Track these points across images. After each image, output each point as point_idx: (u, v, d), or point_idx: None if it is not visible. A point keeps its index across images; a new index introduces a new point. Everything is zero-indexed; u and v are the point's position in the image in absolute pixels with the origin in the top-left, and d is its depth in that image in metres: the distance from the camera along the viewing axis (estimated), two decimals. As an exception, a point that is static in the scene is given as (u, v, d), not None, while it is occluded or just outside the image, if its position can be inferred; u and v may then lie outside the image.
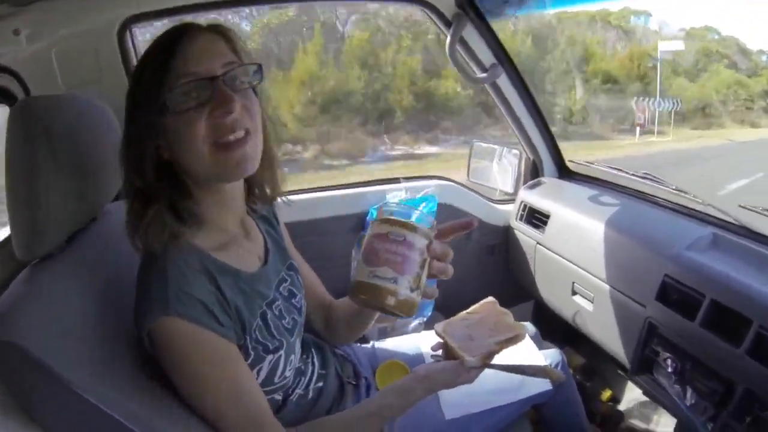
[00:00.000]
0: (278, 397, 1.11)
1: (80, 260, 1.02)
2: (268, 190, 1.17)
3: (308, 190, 2.04)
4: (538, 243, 1.96)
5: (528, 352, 1.47)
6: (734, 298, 1.25)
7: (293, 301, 1.18)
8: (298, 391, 1.19)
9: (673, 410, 1.50)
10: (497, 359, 1.05)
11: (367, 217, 2.01)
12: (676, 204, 1.68)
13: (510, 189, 2.18)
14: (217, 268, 0.99)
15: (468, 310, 1.17)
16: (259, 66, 1.02)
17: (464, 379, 1.06)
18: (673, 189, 1.65)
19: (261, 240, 1.20)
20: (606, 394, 2.06)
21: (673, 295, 1.40)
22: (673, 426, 1.78)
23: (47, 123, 0.93)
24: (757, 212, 1.41)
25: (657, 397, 1.54)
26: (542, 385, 1.42)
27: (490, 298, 1.19)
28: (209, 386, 0.94)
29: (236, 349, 0.97)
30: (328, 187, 2.09)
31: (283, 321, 1.11)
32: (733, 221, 1.49)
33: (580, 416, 1.65)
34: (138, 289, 0.95)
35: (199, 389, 0.94)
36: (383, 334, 1.87)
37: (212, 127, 0.93)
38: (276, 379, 1.07)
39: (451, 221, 0.99)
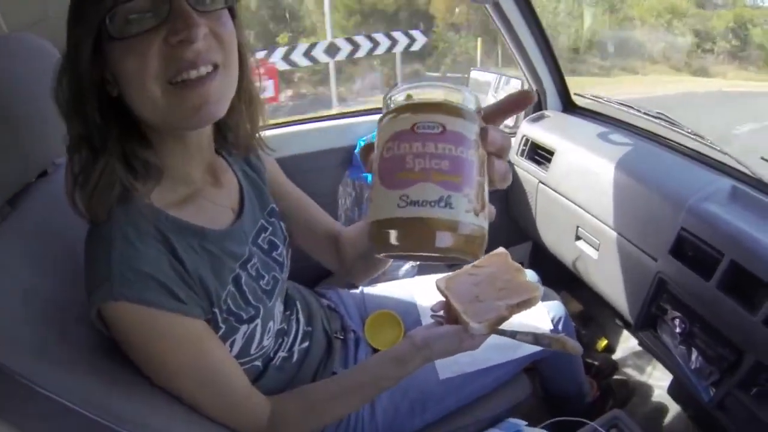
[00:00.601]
0: (258, 363, 1.02)
1: (27, 226, 0.90)
2: (243, 138, 0.99)
3: (288, 123, 1.88)
4: (540, 182, 1.83)
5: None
6: (756, 261, 1.14)
7: (274, 254, 1.06)
8: (281, 353, 1.10)
9: (674, 370, 1.44)
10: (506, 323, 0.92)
11: (355, 150, 1.86)
12: (692, 150, 1.54)
13: (510, 122, 2.01)
14: (176, 230, 0.84)
15: (475, 263, 1.01)
16: None
17: (467, 345, 0.94)
18: (689, 132, 1.50)
19: (235, 185, 1.04)
20: (602, 343, 2.03)
21: (689, 250, 1.30)
22: (669, 381, 1.75)
23: None
24: None
25: (658, 355, 1.47)
26: (543, 325, 1.37)
27: (501, 249, 1.03)
28: (174, 370, 0.83)
29: (202, 325, 0.85)
30: (311, 119, 1.92)
31: (261, 282, 0.99)
32: (752, 174, 1.36)
33: (579, 372, 1.61)
34: (85, 263, 0.81)
35: (164, 374, 0.83)
36: (373, 279, 1.78)
37: (166, 60, 0.72)
38: (252, 350, 0.97)
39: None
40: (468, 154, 0.48)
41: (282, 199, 1.17)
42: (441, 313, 1.01)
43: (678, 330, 1.35)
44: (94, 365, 0.79)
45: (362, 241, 1.12)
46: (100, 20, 0.69)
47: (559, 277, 1.91)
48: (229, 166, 1.05)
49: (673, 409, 1.74)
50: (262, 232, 1.05)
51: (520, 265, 0.99)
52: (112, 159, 0.77)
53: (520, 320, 0.97)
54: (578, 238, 1.71)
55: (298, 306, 1.22)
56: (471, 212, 0.48)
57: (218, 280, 0.88)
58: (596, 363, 1.89)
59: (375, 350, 1.35)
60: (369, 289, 1.53)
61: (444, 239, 0.47)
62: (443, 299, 0.99)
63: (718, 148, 1.44)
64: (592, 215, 1.60)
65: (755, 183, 1.35)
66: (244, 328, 0.93)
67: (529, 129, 1.93)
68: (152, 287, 0.77)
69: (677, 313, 1.36)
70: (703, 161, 1.50)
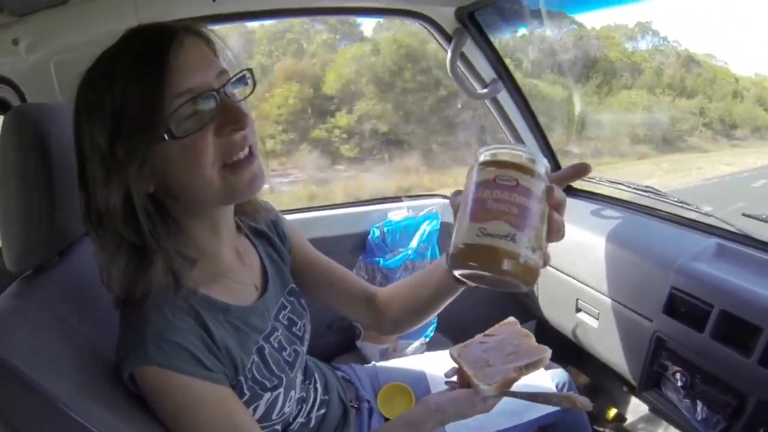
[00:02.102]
0: (278, 427, 1.05)
1: (72, 275, 0.99)
2: (254, 203, 1.10)
3: (307, 209, 2.02)
4: (542, 260, 1.91)
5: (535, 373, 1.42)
6: (743, 307, 1.22)
7: (294, 329, 1.12)
8: (300, 419, 1.14)
9: (683, 426, 1.45)
10: (516, 385, 0.96)
11: (369, 237, 1.99)
12: (679, 216, 1.66)
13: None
14: (205, 306, 0.91)
15: (486, 332, 1.09)
16: (251, 71, 0.91)
17: (480, 409, 1.00)
18: (676, 201, 1.62)
19: (258, 265, 1.12)
20: (611, 412, 2.01)
21: (681, 307, 1.37)
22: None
23: (41, 131, 0.90)
24: (761, 220, 1.38)
25: (666, 413, 1.49)
26: (551, 407, 1.37)
27: (511, 319, 1.11)
28: (200, 431, 0.88)
29: (227, 391, 0.90)
30: (328, 206, 2.06)
31: (284, 353, 1.05)
32: (736, 230, 1.47)
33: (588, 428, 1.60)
34: (120, 327, 0.88)
35: None
36: (385, 356, 1.84)
37: (221, 148, 0.83)
38: (274, 416, 1.01)
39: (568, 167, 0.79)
40: (532, 205, 0.65)
41: (312, 264, 1.25)
42: (454, 378, 1.06)
43: (680, 384, 1.39)
44: (128, 411, 0.85)
45: (408, 290, 1.19)
46: (160, 127, 0.78)
47: (565, 353, 1.94)
48: (254, 247, 1.14)
49: None
50: (282, 310, 1.11)
51: (528, 332, 1.05)
52: (160, 259, 0.85)
53: (526, 385, 1.00)
54: (579, 309, 1.78)
55: (316, 376, 1.26)
56: (529, 248, 0.64)
57: (243, 351, 0.95)
58: (607, 429, 1.87)
59: (387, 419, 1.39)
60: (381, 364, 1.59)
61: (507, 264, 0.63)
62: (456, 366, 1.04)
63: (703, 212, 1.56)
64: (590, 287, 1.69)
65: (740, 239, 1.45)
66: (267, 395, 0.98)
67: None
68: (183, 356, 0.84)
69: (677, 368, 1.40)
70: (689, 225, 1.60)
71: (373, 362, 1.64)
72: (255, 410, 0.96)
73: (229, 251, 1.03)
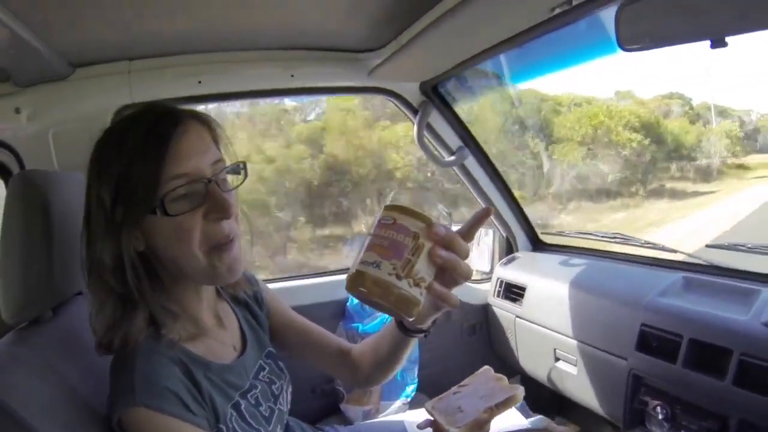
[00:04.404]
0: None
1: (64, 329, 1.04)
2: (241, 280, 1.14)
3: (287, 278, 2.07)
4: (517, 316, 1.98)
5: (511, 420, 1.43)
6: (711, 333, 1.28)
7: (273, 387, 1.15)
8: None
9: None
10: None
11: (347, 304, 2.03)
12: (646, 257, 1.75)
13: (486, 268, 2.25)
14: (188, 359, 0.95)
15: (461, 383, 1.09)
16: (244, 164, 1.01)
17: None
18: (642, 243, 1.72)
19: (237, 328, 1.17)
20: None
21: (652, 342, 1.43)
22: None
23: (44, 196, 0.98)
24: (723, 248, 1.48)
25: (653, 450, 1.51)
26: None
27: (485, 367, 1.11)
28: None
29: None
30: (308, 274, 2.11)
31: (260, 408, 1.07)
32: (703, 262, 1.56)
33: None
34: (110, 375, 0.92)
35: None
36: (367, 417, 1.84)
37: (208, 233, 0.91)
38: None
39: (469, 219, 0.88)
40: (404, 240, 0.74)
41: (290, 325, 1.30)
42: (428, 430, 1.05)
43: (662, 417, 1.41)
44: None
45: (373, 344, 1.22)
46: (154, 202, 0.86)
47: (550, 404, 1.97)
48: (233, 312, 1.19)
49: None
50: (261, 371, 1.15)
51: (501, 375, 1.07)
52: (144, 311, 0.92)
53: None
54: (557, 359, 1.81)
55: None
56: (393, 275, 0.72)
57: (223, 404, 0.98)
58: None
59: None
60: (364, 424, 1.60)
61: (370, 287, 0.73)
62: (430, 418, 1.04)
63: (669, 249, 1.66)
64: (566, 335, 1.74)
65: (707, 269, 1.54)
66: None
67: (502, 272, 2.14)
68: (170, 399, 0.87)
69: (657, 402, 1.42)
70: (657, 264, 1.70)
71: (355, 422, 1.65)
72: None
73: (210, 314, 1.08)
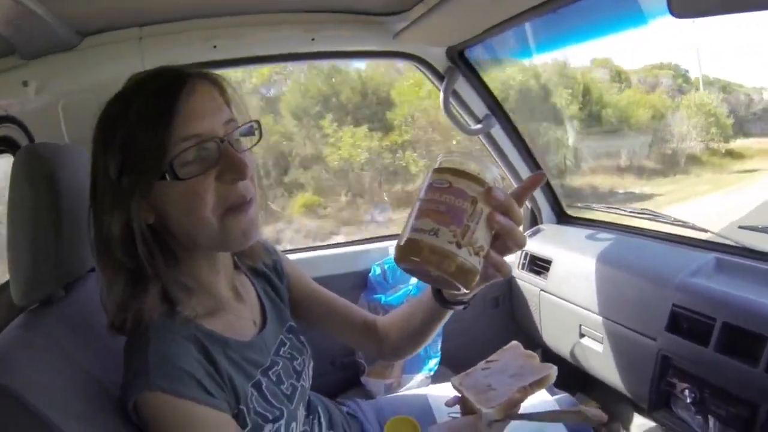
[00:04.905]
0: None
1: (77, 309, 1.01)
2: (256, 246, 1.11)
3: (310, 249, 2.05)
4: (542, 290, 1.94)
5: (539, 399, 1.39)
6: (745, 318, 1.23)
7: (294, 363, 1.12)
8: None
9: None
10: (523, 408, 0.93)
11: (369, 275, 2.01)
12: (676, 236, 1.69)
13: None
14: (205, 337, 0.92)
15: (489, 358, 1.06)
16: (258, 123, 0.96)
17: None
18: (672, 221, 1.65)
19: (256, 302, 1.13)
20: None
21: (683, 323, 1.38)
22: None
23: (51, 169, 0.94)
24: (757, 230, 1.41)
25: (678, 431, 1.48)
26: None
27: (514, 343, 1.09)
28: None
29: (228, 419, 0.89)
30: (330, 245, 2.09)
31: (282, 386, 1.04)
32: (734, 244, 1.49)
33: None
34: (125, 356, 0.89)
35: None
36: (389, 390, 1.83)
37: (222, 195, 0.86)
38: None
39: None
40: (462, 204, 0.69)
41: (312, 297, 1.27)
42: (457, 408, 1.03)
43: (689, 401, 1.37)
44: None
45: (401, 315, 1.20)
46: (163, 166, 0.82)
47: (571, 380, 1.93)
48: (252, 285, 1.16)
49: None
50: (282, 346, 1.12)
51: (531, 352, 1.04)
52: (157, 286, 0.88)
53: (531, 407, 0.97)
54: (582, 335, 1.77)
55: (320, 411, 1.26)
56: (453, 243, 0.67)
57: (243, 383, 0.95)
58: None
59: None
60: (386, 398, 1.58)
61: (425, 254, 0.68)
62: (458, 395, 1.01)
63: (700, 228, 1.58)
64: (592, 312, 1.69)
65: (738, 251, 1.47)
66: (269, 426, 0.96)
67: (527, 244, 2.07)
68: (185, 381, 0.84)
69: (685, 385, 1.38)
70: (686, 243, 1.63)
71: (377, 397, 1.63)
72: None
73: (227, 287, 1.05)
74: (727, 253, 1.49)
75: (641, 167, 9.42)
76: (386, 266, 1.98)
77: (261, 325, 1.09)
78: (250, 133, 0.94)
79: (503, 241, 0.74)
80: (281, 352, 1.09)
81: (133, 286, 0.87)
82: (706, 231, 1.57)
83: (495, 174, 0.72)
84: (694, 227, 1.60)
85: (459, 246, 0.67)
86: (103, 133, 0.86)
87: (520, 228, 0.75)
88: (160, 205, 0.87)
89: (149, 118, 0.82)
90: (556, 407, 1.42)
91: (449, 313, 1.03)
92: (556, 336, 1.96)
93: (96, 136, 0.87)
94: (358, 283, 2.02)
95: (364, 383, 1.90)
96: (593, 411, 0.90)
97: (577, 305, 1.76)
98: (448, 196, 0.69)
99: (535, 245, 2.05)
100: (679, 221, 1.63)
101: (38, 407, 0.75)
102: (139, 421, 0.85)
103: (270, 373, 1.02)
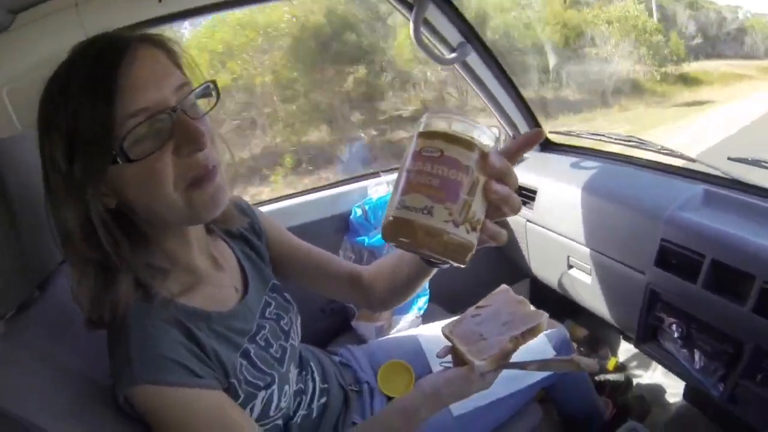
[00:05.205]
0: (279, 422, 1.04)
1: (55, 307, 0.97)
2: (228, 210, 1.05)
3: (286, 197, 1.97)
4: (528, 221, 1.91)
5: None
6: (735, 256, 1.21)
7: (281, 324, 1.10)
8: (301, 412, 1.14)
9: (682, 375, 1.47)
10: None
11: (351, 217, 1.96)
12: (662, 164, 1.64)
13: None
14: (186, 316, 0.89)
15: (478, 304, 1.03)
16: (214, 83, 0.86)
17: (478, 387, 0.95)
18: (659, 149, 1.60)
19: (236, 266, 1.09)
20: (612, 362, 2.04)
21: (672, 258, 1.37)
22: (682, 388, 1.77)
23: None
24: (746, 163, 1.37)
25: (665, 364, 1.51)
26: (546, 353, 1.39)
27: (503, 287, 1.04)
28: None
29: (221, 395, 0.88)
30: (305, 191, 2.01)
31: (270, 350, 1.03)
32: (723, 175, 1.45)
33: (590, 392, 1.63)
34: (108, 352, 0.86)
35: None
36: (380, 333, 1.83)
37: (182, 169, 0.79)
38: (271, 413, 0.99)
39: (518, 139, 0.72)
40: (458, 176, 0.60)
41: (293, 253, 1.23)
42: (449, 357, 1.02)
43: (677, 335, 1.39)
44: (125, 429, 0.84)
45: (386, 266, 1.16)
46: (113, 149, 0.74)
47: (561, 307, 1.95)
48: (230, 248, 1.11)
49: (693, 414, 1.74)
50: (267, 307, 1.10)
51: (522, 297, 1.00)
52: (129, 275, 0.83)
53: (523, 352, 0.95)
54: (570, 266, 1.78)
55: (312, 366, 1.26)
56: (449, 222, 0.59)
57: (231, 356, 0.93)
58: (610, 380, 1.90)
59: (389, 398, 1.40)
60: (377, 342, 1.58)
61: (423, 238, 0.60)
62: (449, 345, 1.00)
63: (688, 157, 1.53)
64: (580, 243, 1.68)
65: (727, 183, 1.44)
66: (262, 393, 0.97)
67: (510, 170, 2.02)
68: (170, 368, 0.82)
69: (673, 319, 1.40)
70: (674, 172, 1.59)
71: (369, 341, 1.64)
72: (252, 410, 0.95)
73: (203, 258, 1.00)
74: (715, 185, 1.45)
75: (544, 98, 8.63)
76: (367, 207, 1.93)
77: (243, 290, 1.06)
78: (206, 94, 0.86)
79: (498, 207, 0.66)
80: (267, 314, 1.08)
81: (103, 278, 0.82)
82: (694, 161, 1.52)
83: (489, 135, 0.63)
84: (682, 156, 1.55)
85: (456, 225, 0.60)
86: (45, 119, 0.78)
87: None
88: (119, 188, 0.80)
89: (88, 96, 0.73)
90: (548, 343, 1.44)
91: (434, 270, 0.99)
92: (544, 267, 1.96)
93: (39, 122, 0.79)
94: (340, 227, 1.98)
95: (354, 327, 1.90)
96: (586, 360, 0.89)
97: (564, 236, 1.75)
98: (440, 167, 0.60)
99: (519, 175, 1.96)
100: (666, 149, 1.58)
101: (27, 418, 0.73)
102: (133, 413, 0.83)
103: (257, 338, 1.01)
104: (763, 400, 1.23)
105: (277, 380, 1.00)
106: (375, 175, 2.04)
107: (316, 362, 1.29)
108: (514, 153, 0.69)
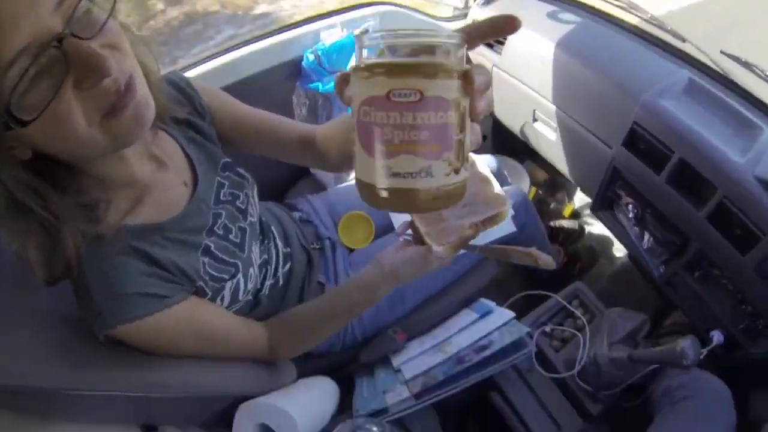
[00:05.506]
0: (249, 298, 1.10)
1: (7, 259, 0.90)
2: (160, 106, 0.90)
3: (230, 49, 1.70)
4: (495, 65, 1.78)
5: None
6: (704, 164, 1.20)
7: (237, 203, 1.08)
8: (268, 282, 1.19)
9: (629, 247, 1.56)
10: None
11: (302, 63, 1.76)
12: (650, 35, 1.49)
13: (461, 3, 1.90)
14: (139, 236, 0.85)
15: None
16: None
17: (437, 266, 1.00)
18: (649, 18, 1.45)
19: (181, 156, 1.02)
20: (569, 209, 2.11)
21: (641, 144, 1.35)
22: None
23: None
24: (738, 62, 1.27)
25: (616, 233, 1.59)
26: (506, 228, 1.42)
27: (470, 157, 1.00)
28: (184, 347, 0.93)
29: (190, 302, 0.91)
30: (250, 40, 1.73)
31: (230, 236, 1.03)
32: (711, 64, 1.36)
33: (545, 242, 1.70)
34: (77, 305, 0.85)
35: (179, 352, 0.93)
36: (339, 180, 1.81)
37: (90, 103, 0.66)
38: (240, 297, 1.05)
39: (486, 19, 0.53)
40: (447, 118, 0.46)
41: (241, 123, 1.15)
42: (409, 231, 1.03)
43: (631, 215, 1.45)
44: (115, 355, 0.87)
45: (337, 133, 1.08)
46: (5, 109, 0.61)
47: (523, 148, 1.93)
48: (172, 138, 1.02)
49: (635, 271, 1.86)
50: (220, 189, 1.06)
51: (487, 176, 0.96)
52: (68, 223, 0.76)
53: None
54: (535, 120, 1.73)
55: (274, 231, 1.26)
56: (451, 173, 0.48)
57: (192, 259, 0.93)
58: (564, 227, 1.99)
59: (351, 250, 1.44)
60: (336, 191, 1.58)
61: (425, 203, 0.49)
62: (408, 219, 0.99)
63: (679, 36, 1.41)
64: (548, 100, 1.61)
65: (713, 74, 1.35)
66: (228, 284, 0.99)
67: (480, 13, 1.84)
68: (138, 302, 0.82)
69: (630, 200, 1.45)
70: (661, 47, 1.46)
71: (328, 189, 1.64)
72: (221, 300, 1.01)
73: (143, 164, 0.93)
74: (702, 73, 1.36)
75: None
76: (320, 52, 1.72)
77: (193, 181, 1.02)
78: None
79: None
80: (221, 197, 1.06)
81: (46, 237, 0.76)
82: (684, 40, 1.39)
83: (456, 39, 0.47)
84: (673, 33, 1.41)
85: (457, 172, 0.49)
86: None
87: None
88: (27, 141, 0.68)
89: None
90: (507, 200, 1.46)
91: None
92: (508, 114, 1.90)
93: None
94: (292, 72, 1.79)
95: (313, 173, 1.86)
96: (545, 258, 0.92)
97: (532, 89, 1.67)
98: (424, 113, 0.45)
99: (488, 13, 1.79)
100: (657, 20, 1.43)
101: (14, 383, 0.75)
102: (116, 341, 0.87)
103: (215, 228, 1.01)
104: (694, 293, 1.36)
105: (241, 268, 1.03)
106: (327, 15, 1.80)
107: (277, 224, 1.31)
108: (481, 36, 0.54)
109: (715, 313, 1.31)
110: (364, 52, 0.47)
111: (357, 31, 1.73)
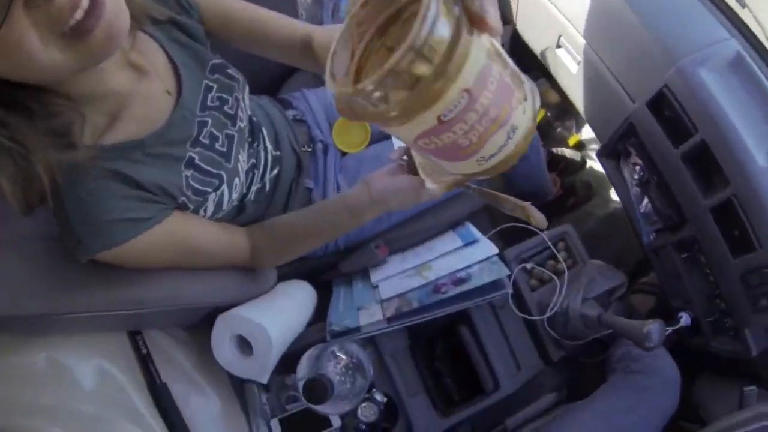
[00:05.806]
0: (235, 203, 1.11)
1: None
2: (137, 8, 0.85)
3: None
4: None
5: None
6: (725, 153, 1.13)
7: (225, 108, 1.04)
8: (255, 186, 1.18)
9: (625, 204, 1.52)
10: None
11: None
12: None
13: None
14: (117, 156, 0.83)
15: None
16: None
17: (427, 199, 0.99)
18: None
19: (164, 61, 0.96)
20: (574, 139, 2.02)
21: (666, 110, 1.25)
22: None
23: None
24: None
25: (615, 185, 1.53)
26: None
27: None
28: (170, 261, 0.96)
29: (173, 219, 0.92)
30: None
31: (216, 144, 1.00)
32: (765, 42, 1.22)
33: (542, 172, 1.68)
34: (58, 234, 0.85)
35: (157, 269, 0.96)
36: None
37: (46, 24, 0.61)
38: (224, 207, 1.05)
39: None
40: (495, 86, 0.45)
41: (234, 19, 1.08)
42: (405, 157, 0.99)
43: (636, 176, 1.40)
44: (96, 274, 0.90)
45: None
46: None
47: (539, 65, 1.81)
48: (155, 40, 0.94)
49: (626, 222, 1.77)
50: (208, 93, 1.00)
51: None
52: (40, 151, 0.73)
53: None
54: (559, 47, 1.59)
55: (264, 132, 1.21)
56: (524, 113, 0.49)
57: (175, 175, 0.91)
58: (566, 155, 1.94)
59: (343, 153, 1.40)
60: (334, 90, 1.50)
61: (522, 150, 0.52)
62: (403, 145, 0.97)
63: (742, 1, 1.26)
64: (577, 30, 1.45)
65: (765, 53, 1.22)
66: (211, 196, 0.99)
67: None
68: (118, 229, 0.83)
69: (640, 161, 1.38)
70: (718, 8, 1.28)
71: (328, 89, 1.55)
72: (204, 211, 1.02)
73: (121, 74, 0.88)
74: (753, 49, 1.22)
75: None
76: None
77: (177, 88, 0.98)
78: None
79: None
80: (208, 102, 1.03)
81: (18, 167, 0.74)
82: (744, 5, 1.23)
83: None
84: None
85: (525, 98, 0.50)
86: None
87: None
88: None
89: None
90: None
91: None
92: (531, 31, 1.74)
93: None
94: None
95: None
96: (538, 215, 0.90)
97: (564, 16, 1.50)
98: (479, 103, 0.44)
99: None
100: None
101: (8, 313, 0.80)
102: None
103: (201, 138, 1.00)
104: (677, 271, 1.36)
105: (225, 179, 1.02)
106: None
107: (269, 125, 1.26)
108: None
109: (690, 296, 1.32)
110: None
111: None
